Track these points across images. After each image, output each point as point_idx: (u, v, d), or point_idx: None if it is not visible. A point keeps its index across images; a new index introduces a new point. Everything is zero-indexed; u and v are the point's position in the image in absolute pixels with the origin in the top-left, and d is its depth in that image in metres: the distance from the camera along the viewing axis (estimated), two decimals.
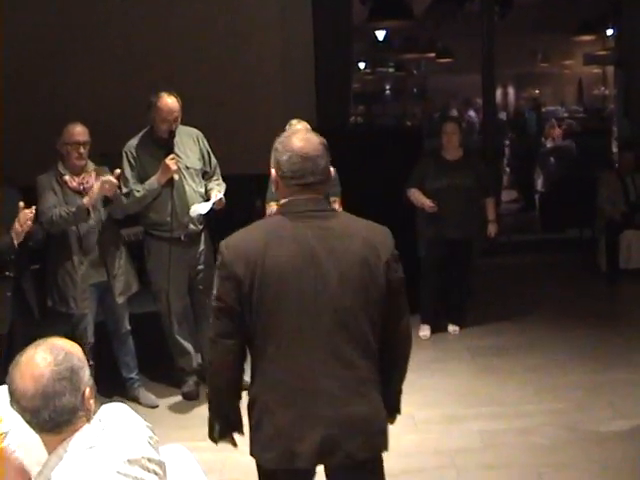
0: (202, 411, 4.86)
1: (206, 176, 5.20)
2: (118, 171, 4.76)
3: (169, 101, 4.87)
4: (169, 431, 4.61)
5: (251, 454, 2.58)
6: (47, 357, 1.97)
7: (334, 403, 2.44)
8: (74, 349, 2.05)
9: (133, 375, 5.19)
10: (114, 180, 4.66)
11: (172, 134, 4.94)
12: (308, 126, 5.37)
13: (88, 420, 2.02)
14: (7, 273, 4.30)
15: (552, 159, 10.65)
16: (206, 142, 5.21)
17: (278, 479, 2.55)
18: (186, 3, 7.31)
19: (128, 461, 1.99)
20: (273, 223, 2.60)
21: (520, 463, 4.20)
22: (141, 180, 4.96)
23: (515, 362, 5.65)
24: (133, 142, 5.04)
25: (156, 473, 2.07)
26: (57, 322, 5.03)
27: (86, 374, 2.03)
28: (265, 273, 2.41)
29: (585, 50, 16.34)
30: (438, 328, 6.32)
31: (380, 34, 14.48)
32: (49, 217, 4.60)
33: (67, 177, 4.74)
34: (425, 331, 6.28)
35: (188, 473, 2.20)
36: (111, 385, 5.19)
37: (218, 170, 5.24)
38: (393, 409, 2.81)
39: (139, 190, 4.90)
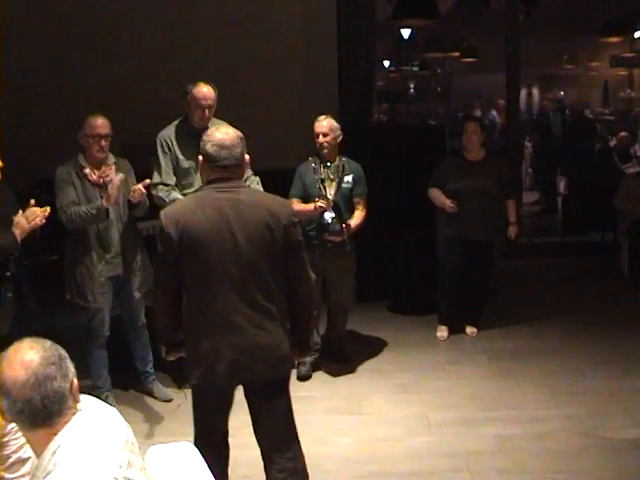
0: None
1: None
2: (148, 181, 4.76)
3: (204, 89, 4.90)
4: (182, 426, 4.61)
5: (185, 375, 3.38)
6: (34, 345, 2.03)
7: (243, 334, 3.16)
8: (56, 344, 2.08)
9: (148, 369, 5.19)
10: (143, 189, 4.67)
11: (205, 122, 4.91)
12: (334, 122, 5.38)
13: (75, 413, 2.03)
14: (7, 273, 4.19)
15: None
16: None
17: (206, 395, 3.32)
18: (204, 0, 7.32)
19: (123, 445, 2.00)
20: (199, 195, 3.30)
21: (534, 468, 4.17)
22: (172, 169, 4.95)
23: (532, 366, 5.60)
24: (168, 131, 5.02)
25: (139, 455, 2.11)
26: (73, 314, 5.06)
27: (72, 366, 2.06)
28: (189, 233, 3.09)
29: (611, 52, 16.20)
30: (455, 330, 6.28)
31: (405, 32, 14.38)
32: (68, 214, 4.61)
33: (88, 170, 4.73)
34: (442, 332, 6.25)
35: (194, 471, 2.20)
36: (126, 378, 5.22)
37: (248, 167, 5.15)
38: (303, 346, 3.51)
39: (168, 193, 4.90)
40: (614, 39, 15.03)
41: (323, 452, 4.42)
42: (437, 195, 5.99)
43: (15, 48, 6.27)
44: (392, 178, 6.84)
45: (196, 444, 3.24)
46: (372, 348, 6.04)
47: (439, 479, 4.12)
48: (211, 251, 3.10)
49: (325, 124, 5.36)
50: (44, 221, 4.06)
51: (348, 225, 5.31)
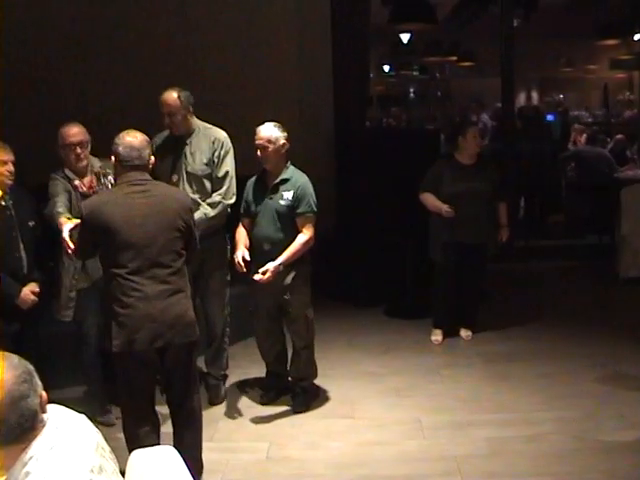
0: (209, 412, 4.89)
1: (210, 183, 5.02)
2: None
3: (165, 96, 4.80)
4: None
5: (109, 345, 3.70)
6: (3, 362, 1.98)
7: (157, 306, 3.62)
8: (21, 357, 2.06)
9: None
10: None
11: (182, 136, 4.88)
12: (274, 132, 4.66)
13: (44, 425, 2.02)
14: None
15: (573, 164, 10.52)
16: (225, 150, 4.96)
17: (129, 362, 3.67)
18: (200, 5, 7.30)
19: (93, 451, 2.01)
20: (113, 190, 3.93)
21: (525, 471, 4.17)
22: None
23: (526, 369, 5.61)
24: (162, 133, 4.98)
25: (110, 459, 2.11)
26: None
27: (38, 378, 2.03)
28: (101, 221, 3.59)
29: (610, 55, 16.20)
30: (450, 333, 6.30)
31: (405, 37, 14.40)
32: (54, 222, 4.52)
33: (77, 182, 4.63)
34: (437, 336, 6.26)
35: (175, 475, 2.20)
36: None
37: (226, 182, 4.95)
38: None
39: None
40: (612, 42, 15.04)
41: (315, 456, 4.43)
42: (431, 200, 5.97)
43: None
44: (386, 182, 6.85)
45: (123, 414, 3.85)
46: (366, 352, 6.05)
47: None
48: (124, 236, 3.58)
49: (263, 135, 4.63)
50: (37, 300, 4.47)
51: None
